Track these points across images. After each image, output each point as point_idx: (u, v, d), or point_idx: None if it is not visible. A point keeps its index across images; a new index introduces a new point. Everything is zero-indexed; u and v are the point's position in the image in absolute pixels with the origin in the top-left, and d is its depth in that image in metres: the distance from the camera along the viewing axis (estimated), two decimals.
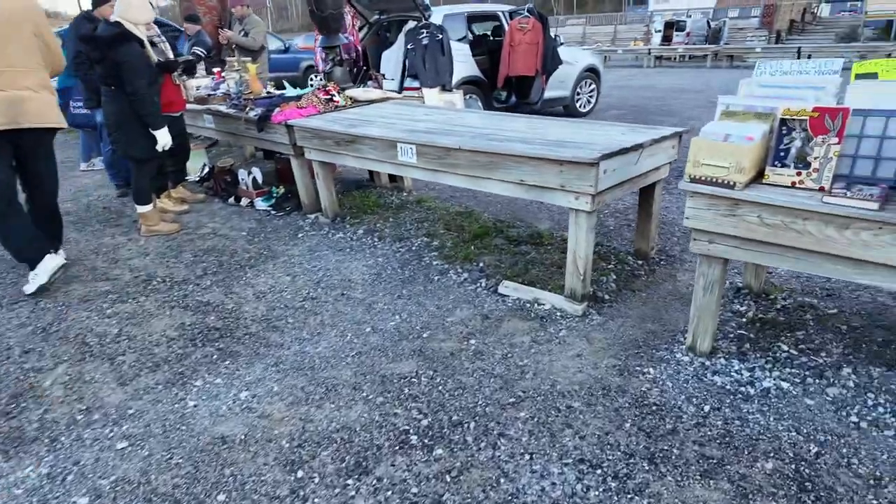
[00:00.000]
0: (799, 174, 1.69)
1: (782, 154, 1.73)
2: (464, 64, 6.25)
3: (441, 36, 5.54)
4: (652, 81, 12.14)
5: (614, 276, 2.84)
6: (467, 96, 5.68)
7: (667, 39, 18.10)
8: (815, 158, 1.66)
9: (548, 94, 6.79)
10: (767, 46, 16.16)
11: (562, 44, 7.18)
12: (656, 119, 7.28)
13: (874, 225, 1.55)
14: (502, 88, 6.76)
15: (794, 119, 1.69)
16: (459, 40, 6.42)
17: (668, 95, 9.60)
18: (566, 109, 7.43)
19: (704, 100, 8.69)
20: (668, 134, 2.65)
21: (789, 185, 1.75)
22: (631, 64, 17.22)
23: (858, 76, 1.78)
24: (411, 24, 5.94)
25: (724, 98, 1.92)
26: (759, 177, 1.82)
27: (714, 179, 1.78)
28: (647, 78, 13.06)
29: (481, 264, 3.04)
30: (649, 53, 16.81)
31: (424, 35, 5.54)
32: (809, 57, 14.14)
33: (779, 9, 18.90)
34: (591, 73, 7.59)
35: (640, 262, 3.00)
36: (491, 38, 7.61)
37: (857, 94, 1.68)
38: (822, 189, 1.67)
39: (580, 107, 7.59)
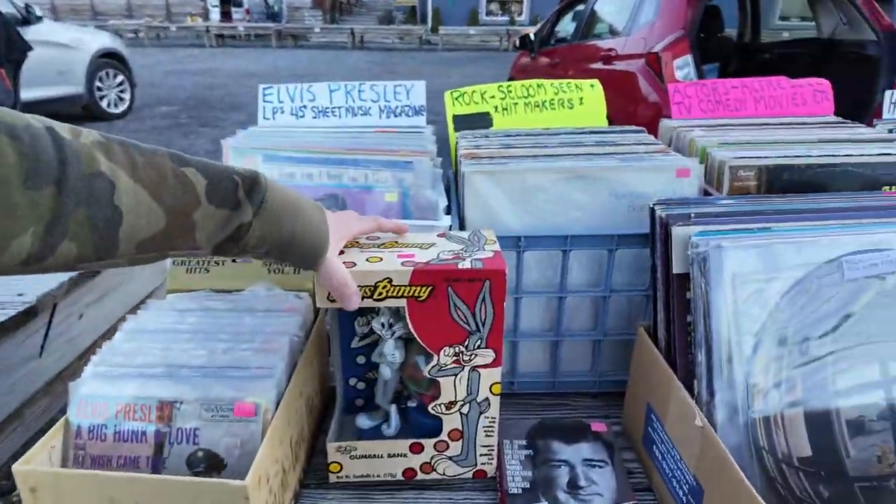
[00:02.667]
0: None
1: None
2: None
3: None
4: (215, 64, 10.63)
5: None
6: None
7: (226, 16, 16.70)
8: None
9: (39, 93, 4.58)
10: (325, 26, 16.66)
11: (39, 17, 4.74)
12: (219, 117, 5.99)
13: None
14: None
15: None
16: None
17: (233, 82, 8.34)
18: (87, 111, 5.37)
19: None
20: None
21: None
22: (191, 43, 15.13)
23: (459, 119, 0.97)
24: None
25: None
26: None
27: None
28: (208, 60, 11.43)
29: None
30: (208, 31, 15.10)
31: None
32: (363, 39, 15.16)
33: None
34: (112, 58, 5.66)
35: None
36: None
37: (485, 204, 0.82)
38: None
39: (108, 106, 5.62)
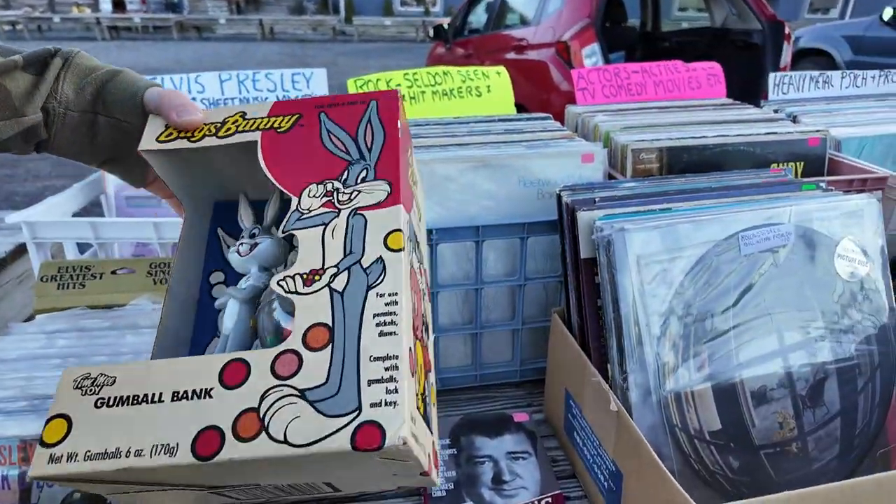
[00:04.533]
0: None
1: None
2: None
3: None
4: (109, 60, 9.74)
5: None
6: None
7: (118, 6, 15.48)
8: None
9: None
10: (231, 18, 15.84)
11: None
12: None
13: None
14: None
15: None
16: None
17: None
18: None
19: None
20: None
21: None
22: (80, 36, 13.88)
23: None
24: None
25: None
26: None
27: None
28: (101, 54, 10.41)
29: None
30: (99, 23, 13.91)
31: None
32: (273, 31, 14.57)
33: None
34: None
35: None
36: None
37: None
38: None
39: None
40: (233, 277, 0.48)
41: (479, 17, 4.40)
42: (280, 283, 0.36)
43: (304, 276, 0.36)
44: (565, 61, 2.66)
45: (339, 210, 0.38)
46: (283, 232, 0.38)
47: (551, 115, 0.89)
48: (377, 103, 0.44)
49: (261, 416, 0.31)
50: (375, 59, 10.68)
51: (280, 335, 0.38)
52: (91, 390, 0.33)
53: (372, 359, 0.32)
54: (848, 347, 0.60)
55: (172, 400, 0.32)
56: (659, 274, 0.57)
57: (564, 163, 0.72)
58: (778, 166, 0.77)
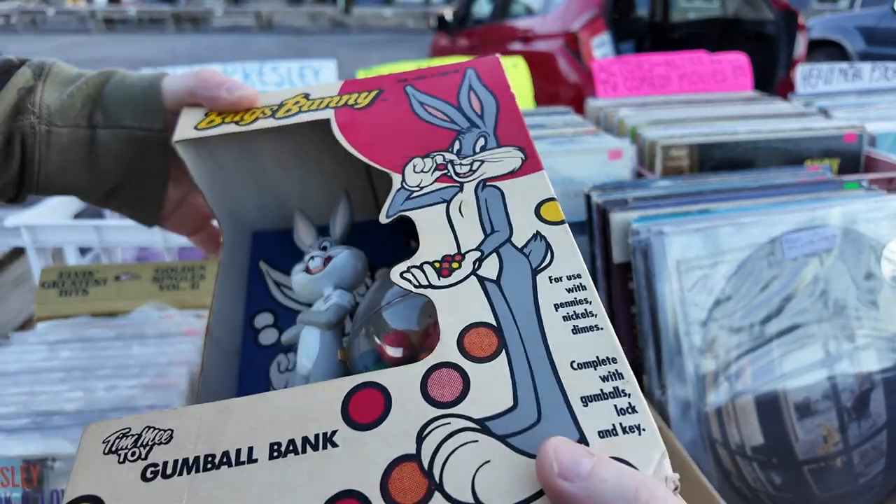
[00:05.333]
0: None
1: None
2: None
3: None
4: (104, 52, 9.71)
5: None
6: None
7: None
8: None
9: None
10: (229, 10, 15.70)
11: None
12: None
13: None
14: None
15: None
16: None
17: None
18: None
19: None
20: None
21: None
22: (75, 29, 13.74)
23: None
24: None
25: None
26: None
27: None
28: (96, 48, 10.42)
29: None
30: (94, 15, 13.77)
31: None
32: (270, 22, 14.46)
33: None
34: None
35: None
36: None
37: None
38: None
39: None
40: (287, 319, 0.38)
41: (482, 6, 4.34)
42: (405, 276, 0.26)
43: (437, 265, 0.26)
44: (574, 52, 2.61)
45: (461, 184, 0.30)
46: (389, 216, 0.29)
47: (571, 109, 0.86)
48: (475, 71, 0.37)
49: (424, 466, 0.20)
50: (376, 50, 10.58)
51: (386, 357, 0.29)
52: (134, 453, 0.21)
53: (575, 366, 0.22)
54: (895, 356, 0.57)
55: (272, 457, 0.20)
56: (699, 280, 0.53)
57: (591, 160, 0.68)
58: (812, 163, 0.74)
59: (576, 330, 0.23)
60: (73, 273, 0.63)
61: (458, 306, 0.24)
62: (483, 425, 0.20)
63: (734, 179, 0.63)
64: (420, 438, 0.20)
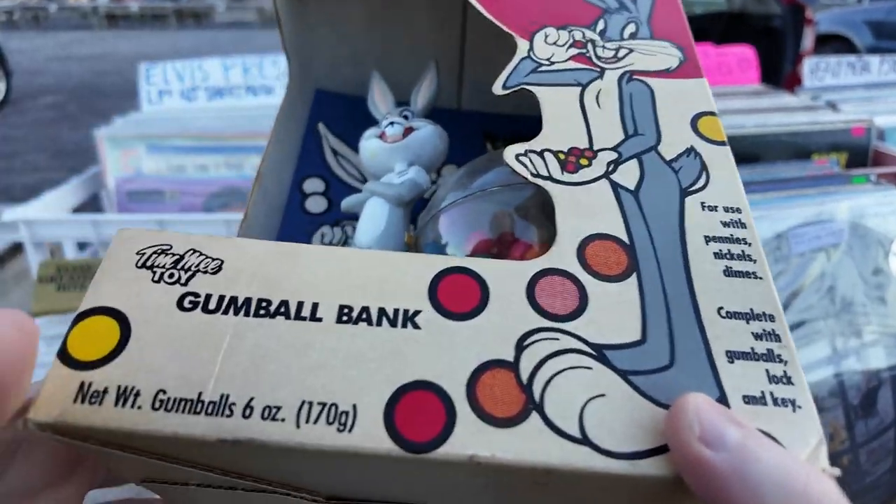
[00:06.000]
0: None
1: None
2: None
3: None
4: (106, 48, 9.70)
5: None
6: None
7: None
8: None
9: None
10: (231, 5, 15.69)
11: None
12: (115, 105, 5.50)
13: None
14: None
15: None
16: None
17: (128, 67, 7.62)
18: None
19: None
20: None
21: None
22: (77, 25, 13.73)
23: None
24: None
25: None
26: None
27: None
28: (98, 44, 10.41)
29: None
30: (95, 11, 13.77)
31: None
32: (278, 19, 14.40)
33: None
34: None
35: None
36: None
37: None
38: None
39: None
40: (339, 191, 0.33)
41: None
42: (521, 158, 0.21)
43: (562, 157, 0.21)
44: None
45: (602, 69, 0.25)
46: (507, 87, 0.24)
47: None
48: None
49: (522, 379, 0.16)
50: None
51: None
52: (172, 275, 0.17)
53: (724, 313, 0.18)
54: None
55: (340, 321, 0.17)
56: None
57: None
58: (819, 157, 0.73)
59: (728, 272, 0.19)
60: (70, 268, 0.63)
61: (582, 209, 0.20)
62: (600, 352, 0.17)
63: (741, 173, 0.62)
64: (520, 347, 0.16)
